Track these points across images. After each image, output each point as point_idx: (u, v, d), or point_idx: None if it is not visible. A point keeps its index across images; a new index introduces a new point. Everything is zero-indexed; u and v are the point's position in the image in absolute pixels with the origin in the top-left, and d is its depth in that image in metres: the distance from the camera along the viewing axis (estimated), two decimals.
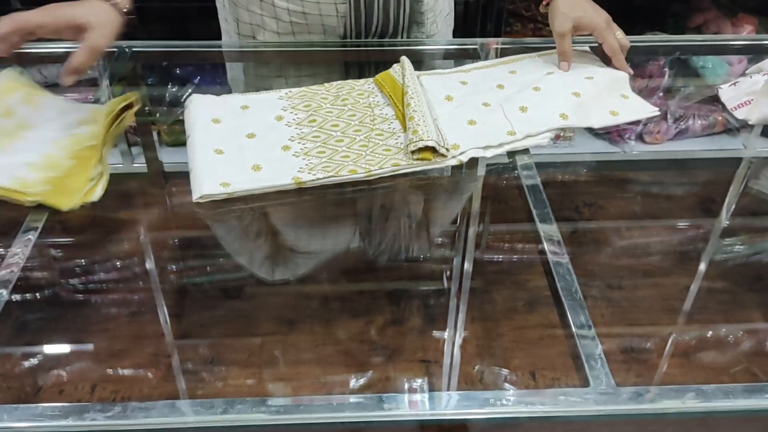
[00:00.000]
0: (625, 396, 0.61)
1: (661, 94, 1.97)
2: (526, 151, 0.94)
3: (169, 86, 1.85)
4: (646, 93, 1.98)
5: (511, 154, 0.96)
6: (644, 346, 0.91)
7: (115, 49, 1.12)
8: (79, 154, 0.84)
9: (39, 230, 0.76)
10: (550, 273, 0.75)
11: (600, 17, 1.00)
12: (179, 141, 1.69)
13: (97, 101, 1.88)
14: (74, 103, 0.94)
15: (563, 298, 0.71)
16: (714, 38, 1.71)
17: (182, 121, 1.97)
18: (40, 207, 0.79)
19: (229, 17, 1.13)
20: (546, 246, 0.77)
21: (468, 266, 1.05)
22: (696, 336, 0.95)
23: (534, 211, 0.83)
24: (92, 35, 0.82)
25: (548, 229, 0.80)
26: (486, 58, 1.16)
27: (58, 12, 0.82)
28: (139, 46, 1.12)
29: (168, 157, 1.22)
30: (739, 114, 1.00)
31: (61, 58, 1.16)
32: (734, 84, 1.03)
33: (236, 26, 1.12)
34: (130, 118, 0.93)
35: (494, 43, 1.19)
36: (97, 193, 0.82)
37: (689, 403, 0.61)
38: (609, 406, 0.60)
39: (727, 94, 1.02)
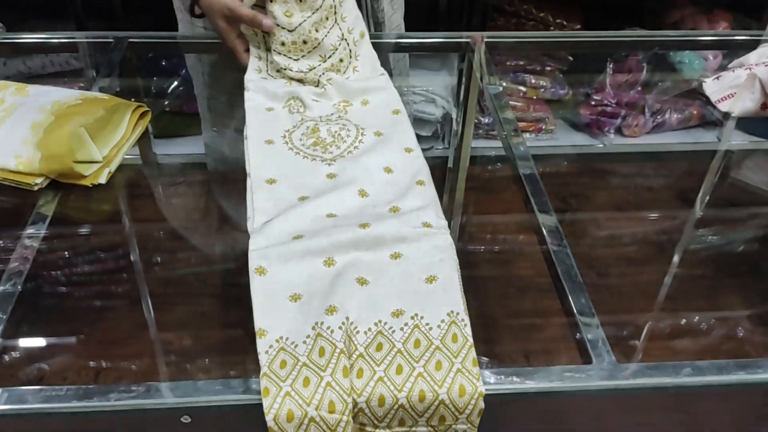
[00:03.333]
0: (627, 372, 0.64)
1: (639, 88, 2.03)
2: (521, 141, 0.97)
3: (155, 78, 1.85)
4: (625, 87, 2.04)
5: (506, 144, 0.98)
6: (639, 328, 0.95)
7: (111, 40, 1.12)
8: (59, 112, 0.86)
9: (48, 219, 0.77)
10: (549, 260, 0.78)
11: None
12: (166, 132, 1.69)
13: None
14: (64, 88, 0.95)
15: (564, 283, 0.73)
16: (691, 34, 1.76)
17: (169, 113, 1.96)
18: (49, 191, 0.80)
19: (182, 6, 1.13)
20: (546, 234, 0.80)
21: (461, 255, 1.07)
22: (682, 318, 0.99)
23: (532, 200, 0.85)
24: None
25: (547, 219, 0.83)
26: (473, 52, 1.19)
27: None
28: (136, 37, 1.12)
29: (159, 149, 1.23)
30: (723, 107, 1.04)
31: (43, 48, 1.16)
32: (717, 78, 1.07)
33: (188, 16, 1.12)
34: (145, 124, 0.94)
35: (482, 37, 1.21)
36: (104, 176, 0.83)
37: (686, 377, 0.64)
38: (612, 381, 0.63)
39: (710, 87, 1.06)
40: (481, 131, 2.00)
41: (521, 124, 2.02)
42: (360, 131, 0.88)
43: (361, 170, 0.80)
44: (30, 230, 0.76)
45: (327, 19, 1.00)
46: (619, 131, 2.04)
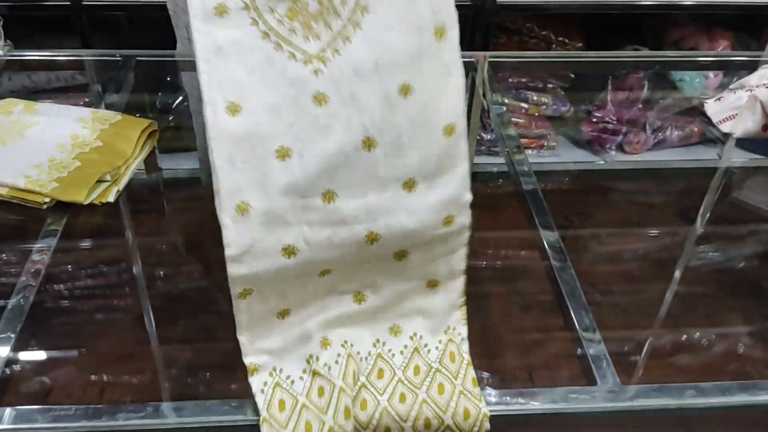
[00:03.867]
0: (631, 393, 0.64)
1: (640, 105, 2.04)
2: (524, 158, 0.98)
3: (160, 94, 1.86)
4: (626, 104, 2.05)
5: (509, 161, 0.99)
6: (642, 346, 0.96)
7: (119, 58, 1.13)
8: (83, 157, 0.86)
9: (59, 235, 0.78)
10: (552, 277, 0.78)
11: None
12: (170, 147, 1.70)
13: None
14: (71, 106, 0.96)
15: (567, 301, 0.74)
16: (691, 54, 1.78)
17: (173, 128, 1.97)
18: (58, 210, 0.81)
19: (180, 24, 1.14)
20: (549, 251, 0.81)
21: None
22: (685, 336, 1.00)
23: (536, 218, 0.86)
24: None
25: (550, 235, 0.84)
26: (477, 71, 1.20)
27: None
28: (143, 55, 1.14)
29: (164, 163, 1.23)
30: (725, 128, 1.05)
31: (51, 65, 1.18)
32: (719, 99, 1.08)
33: (186, 32, 1.13)
34: (153, 142, 0.95)
35: (485, 56, 1.23)
36: (112, 194, 0.84)
37: (690, 399, 0.65)
38: (616, 403, 0.64)
39: (712, 108, 1.07)
40: (483, 147, 2.01)
41: (523, 141, 2.03)
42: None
43: (366, 98, 0.55)
44: (39, 246, 0.77)
45: None
46: (620, 148, 2.05)
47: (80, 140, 0.89)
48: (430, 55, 0.57)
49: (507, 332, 0.98)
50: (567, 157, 2.05)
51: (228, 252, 0.54)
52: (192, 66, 1.21)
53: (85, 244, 0.85)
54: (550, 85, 2.00)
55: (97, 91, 1.81)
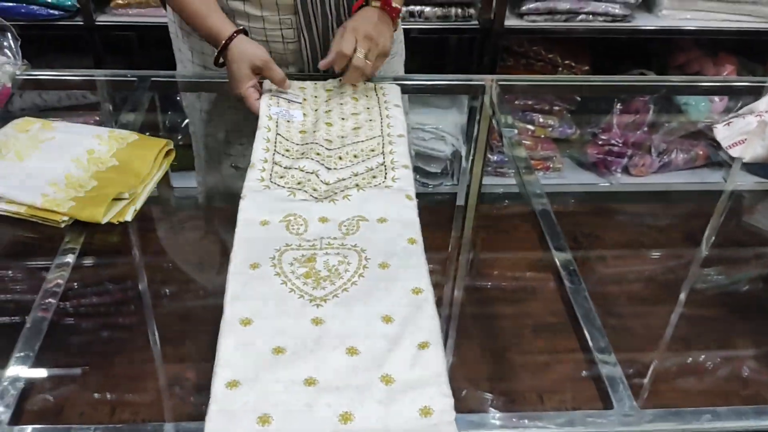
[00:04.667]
0: (648, 418, 0.64)
1: (646, 128, 2.05)
2: (535, 179, 0.99)
3: (170, 112, 1.88)
4: (632, 127, 2.06)
5: (520, 182, 1.00)
6: (656, 369, 0.96)
7: (134, 79, 1.15)
8: (100, 176, 0.87)
9: (77, 253, 0.78)
10: (566, 298, 0.79)
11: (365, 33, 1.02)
12: (180, 166, 1.70)
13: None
14: (87, 125, 0.97)
15: (582, 324, 0.74)
16: (697, 80, 1.80)
17: (183, 146, 1.98)
18: (75, 227, 0.82)
19: (183, 47, 1.17)
20: (561, 272, 0.81)
21: (473, 292, 1.09)
22: (698, 359, 1.00)
23: (548, 239, 0.87)
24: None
25: (563, 256, 0.84)
26: (485, 93, 1.21)
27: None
28: (161, 76, 1.15)
29: (176, 181, 1.24)
30: (734, 152, 1.06)
31: (66, 85, 1.18)
32: (728, 123, 1.09)
33: (190, 55, 1.16)
34: (169, 161, 0.96)
35: (494, 80, 1.24)
36: (129, 214, 0.85)
37: (706, 423, 0.65)
38: (633, 427, 0.64)
39: (722, 133, 1.08)
40: (489, 168, 2.02)
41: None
42: (363, 263, 0.76)
43: (353, 321, 0.69)
44: (58, 263, 0.77)
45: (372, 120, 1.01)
46: (626, 170, 2.06)
47: (96, 156, 0.90)
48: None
49: (519, 354, 0.98)
50: (573, 179, 2.06)
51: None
52: (192, 87, 1.22)
53: (103, 262, 0.86)
54: (557, 108, 2.02)
55: (109, 110, 1.83)
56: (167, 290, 0.85)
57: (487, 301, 1.05)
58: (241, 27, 1.04)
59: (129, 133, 0.95)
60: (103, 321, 0.81)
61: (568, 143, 2.09)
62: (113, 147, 0.92)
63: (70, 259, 0.78)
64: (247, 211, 0.84)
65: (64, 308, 0.74)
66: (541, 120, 2.04)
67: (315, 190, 0.88)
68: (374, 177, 0.91)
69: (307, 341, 0.67)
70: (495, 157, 2.02)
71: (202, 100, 1.22)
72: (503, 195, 1.69)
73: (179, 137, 1.86)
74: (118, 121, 1.05)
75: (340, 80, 1.09)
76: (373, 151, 0.97)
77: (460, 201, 2.05)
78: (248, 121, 1.02)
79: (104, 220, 0.81)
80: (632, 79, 1.78)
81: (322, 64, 1.05)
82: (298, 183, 0.89)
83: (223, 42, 1.02)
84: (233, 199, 0.86)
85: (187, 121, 1.96)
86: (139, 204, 0.87)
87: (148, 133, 1.05)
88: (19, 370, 0.65)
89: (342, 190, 0.88)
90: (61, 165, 0.88)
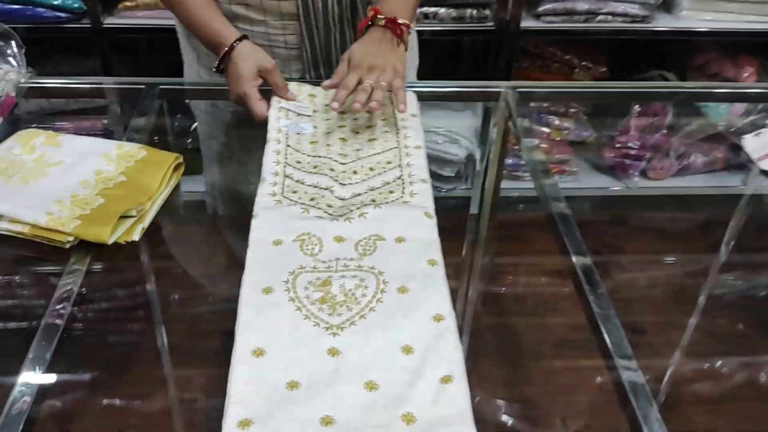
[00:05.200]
0: None
1: (664, 131, 2.01)
2: (554, 183, 0.97)
3: (179, 116, 1.85)
4: (649, 130, 2.02)
5: (539, 185, 0.97)
6: (689, 390, 0.92)
7: (143, 86, 1.11)
8: (107, 193, 0.84)
9: (83, 274, 0.75)
10: (588, 308, 0.75)
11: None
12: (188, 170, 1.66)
13: (109, 133, 1.86)
14: (99, 140, 0.94)
15: (606, 337, 0.71)
16: (717, 86, 1.76)
17: (190, 150, 1.95)
18: (81, 247, 0.78)
19: (189, 48, 1.14)
20: (582, 278, 0.78)
21: (489, 302, 1.05)
22: (728, 375, 0.96)
23: (568, 245, 0.83)
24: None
25: (584, 264, 0.81)
26: (498, 100, 1.18)
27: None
28: (169, 83, 1.12)
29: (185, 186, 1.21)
30: (764, 164, 1.02)
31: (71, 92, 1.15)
32: (758, 134, 1.05)
33: (196, 56, 1.13)
34: (178, 176, 0.93)
35: (509, 87, 1.20)
36: (137, 233, 0.81)
37: None
38: None
39: (750, 144, 1.04)
40: (504, 172, 1.98)
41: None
42: (381, 287, 0.72)
43: (371, 352, 0.65)
44: (63, 284, 0.74)
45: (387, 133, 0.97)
46: (643, 174, 2.01)
47: (104, 176, 0.87)
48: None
49: (541, 374, 0.94)
50: (589, 182, 2.02)
51: None
52: (201, 94, 1.19)
53: (110, 283, 0.83)
54: (573, 110, 1.97)
55: (117, 115, 1.79)
56: (177, 312, 0.82)
57: (505, 311, 1.01)
58: (245, 33, 1.01)
59: (138, 148, 0.92)
60: (112, 347, 0.78)
61: (584, 146, 2.05)
62: (121, 165, 0.89)
63: (76, 280, 0.75)
64: (259, 230, 0.80)
65: (69, 336, 0.71)
66: (556, 123, 2.00)
67: (329, 206, 0.85)
68: (391, 192, 0.88)
69: (324, 374, 0.64)
70: (510, 161, 1.97)
71: (212, 108, 1.19)
72: (518, 199, 1.65)
73: (188, 141, 1.83)
74: (127, 129, 1.02)
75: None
76: (389, 163, 0.93)
77: (474, 205, 2.02)
78: (259, 129, 0.98)
79: (110, 240, 0.78)
80: (651, 85, 1.74)
81: (326, 84, 1.01)
82: (311, 199, 0.86)
83: (228, 46, 0.99)
84: (244, 207, 0.84)
85: (195, 125, 1.93)
86: (147, 222, 0.83)
87: (156, 139, 1.02)
88: (21, 405, 0.62)
89: (358, 207, 0.84)
90: (67, 187, 0.84)
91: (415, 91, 1.10)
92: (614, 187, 2.01)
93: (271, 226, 0.80)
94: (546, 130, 2.00)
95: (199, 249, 0.93)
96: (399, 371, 0.64)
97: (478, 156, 1.91)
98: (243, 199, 0.89)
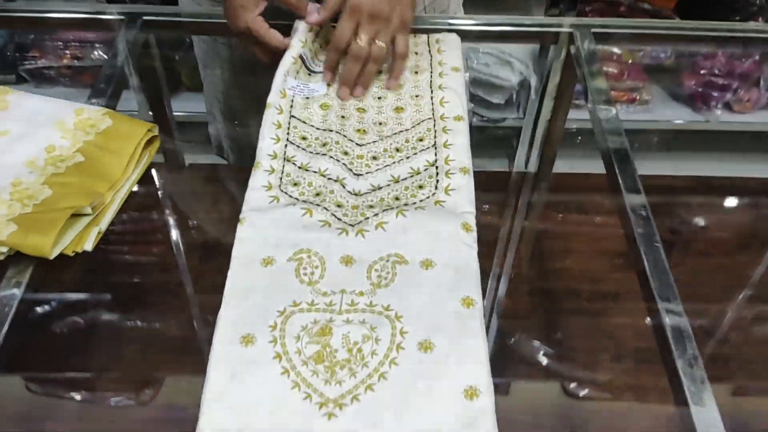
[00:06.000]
0: None
1: (756, 57, 1.71)
2: (614, 114, 0.81)
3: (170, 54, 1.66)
4: (738, 54, 1.72)
5: (595, 117, 0.81)
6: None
7: (122, 17, 0.90)
8: (57, 181, 0.65)
9: (21, 290, 0.59)
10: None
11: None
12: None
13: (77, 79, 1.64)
14: (54, 102, 0.74)
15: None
16: None
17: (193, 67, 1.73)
18: (19, 258, 0.61)
19: None
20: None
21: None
22: None
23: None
24: None
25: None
26: (574, 43, 0.93)
27: None
28: (156, 13, 0.91)
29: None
30: None
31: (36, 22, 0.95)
32: None
33: None
34: (152, 155, 0.73)
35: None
36: (90, 240, 0.64)
37: None
38: None
39: None
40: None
41: (611, 93, 1.74)
42: (397, 341, 0.54)
43: None
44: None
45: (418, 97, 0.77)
46: (727, 106, 1.73)
47: (56, 154, 0.68)
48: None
49: (591, 391, 0.77)
50: (662, 113, 1.75)
51: None
52: (198, 29, 0.97)
53: (57, 300, 0.66)
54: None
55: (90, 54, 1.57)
56: (138, 349, 0.65)
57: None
58: None
59: (101, 114, 0.72)
60: (55, 383, 0.63)
61: (660, 71, 1.77)
62: (79, 139, 0.70)
63: (13, 296, 0.58)
64: (245, 243, 0.61)
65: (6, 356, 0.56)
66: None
67: (339, 206, 0.65)
68: (420, 187, 0.67)
69: None
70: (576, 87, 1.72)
71: (218, 47, 0.98)
72: (576, 132, 1.43)
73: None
74: (98, 76, 0.82)
75: None
76: (421, 141, 0.72)
77: (525, 138, 1.78)
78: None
79: (54, 254, 0.61)
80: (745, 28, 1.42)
81: (312, 21, 0.79)
82: (317, 194, 0.66)
83: None
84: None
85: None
86: (104, 223, 0.65)
87: (132, 90, 0.82)
88: None
89: (375, 212, 0.64)
90: (11, 168, 0.66)
91: (458, 32, 0.87)
92: (692, 120, 1.74)
93: (261, 238, 0.62)
94: (616, 50, 1.71)
95: (177, 255, 0.75)
96: None
97: (533, 82, 1.66)
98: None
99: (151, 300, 0.67)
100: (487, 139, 1.67)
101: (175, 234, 0.76)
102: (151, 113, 0.96)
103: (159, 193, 0.80)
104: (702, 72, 1.69)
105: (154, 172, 0.76)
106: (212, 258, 0.72)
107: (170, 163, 0.96)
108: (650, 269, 0.63)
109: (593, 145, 0.87)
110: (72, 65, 1.64)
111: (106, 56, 0.80)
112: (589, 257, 0.91)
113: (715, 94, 1.69)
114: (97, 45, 1.60)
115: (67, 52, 1.59)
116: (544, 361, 0.70)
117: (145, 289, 0.68)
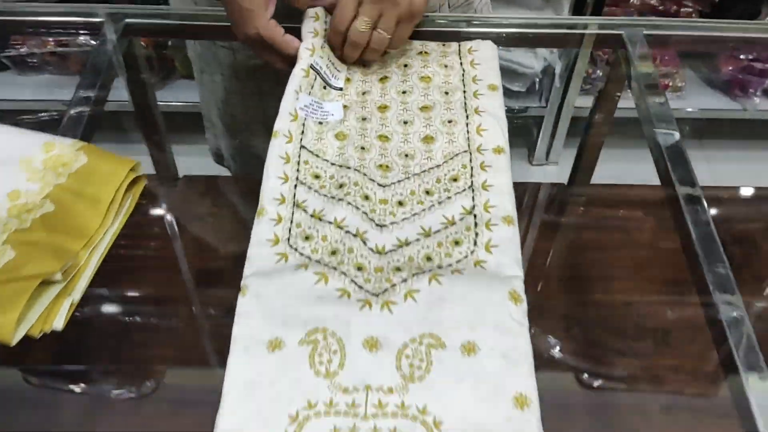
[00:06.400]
0: None
1: None
2: (663, 101, 0.72)
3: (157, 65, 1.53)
4: None
5: (643, 104, 0.72)
6: None
7: (101, 19, 0.78)
8: (21, 239, 0.54)
9: None
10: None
11: None
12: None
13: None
14: (20, 135, 0.62)
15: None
16: None
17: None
18: None
19: None
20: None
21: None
22: None
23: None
24: None
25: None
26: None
27: None
28: (138, 14, 0.78)
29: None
30: None
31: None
32: None
33: None
34: (135, 198, 0.62)
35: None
36: (61, 317, 0.53)
37: None
38: None
39: None
40: (589, 86, 1.60)
41: None
42: None
43: None
44: None
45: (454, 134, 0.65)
46: (766, 94, 1.61)
47: (21, 202, 0.57)
48: None
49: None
50: (696, 102, 1.63)
51: None
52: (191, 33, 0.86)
53: (22, 382, 0.56)
54: (686, 9, 1.54)
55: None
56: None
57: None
58: None
59: (75, 150, 0.60)
60: None
61: (695, 56, 1.64)
62: (49, 182, 0.58)
63: None
64: (248, 319, 0.50)
65: None
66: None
67: (360, 269, 0.54)
68: (456, 243, 0.56)
69: None
70: (599, 72, 1.59)
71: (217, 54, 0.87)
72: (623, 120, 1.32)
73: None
74: (77, 89, 0.71)
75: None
76: (455, 181, 0.60)
77: (546, 127, 1.66)
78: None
79: (15, 340, 0.50)
80: None
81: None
82: (333, 252, 0.55)
83: None
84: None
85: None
86: (78, 291, 0.54)
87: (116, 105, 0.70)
88: None
89: (404, 279, 0.53)
90: None
91: (491, 37, 0.75)
92: (728, 108, 1.62)
93: (267, 313, 0.51)
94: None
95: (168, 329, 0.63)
96: None
97: (558, 69, 1.53)
98: None
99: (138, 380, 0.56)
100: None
101: (170, 289, 0.65)
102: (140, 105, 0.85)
103: (149, 224, 0.69)
104: (741, 56, 1.56)
105: (145, 184, 0.65)
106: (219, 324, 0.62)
107: (162, 176, 0.85)
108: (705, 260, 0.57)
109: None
110: (56, 51, 1.52)
111: (93, 42, 0.71)
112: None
113: (754, 80, 1.56)
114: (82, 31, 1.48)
115: (50, 38, 1.47)
116: None
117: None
